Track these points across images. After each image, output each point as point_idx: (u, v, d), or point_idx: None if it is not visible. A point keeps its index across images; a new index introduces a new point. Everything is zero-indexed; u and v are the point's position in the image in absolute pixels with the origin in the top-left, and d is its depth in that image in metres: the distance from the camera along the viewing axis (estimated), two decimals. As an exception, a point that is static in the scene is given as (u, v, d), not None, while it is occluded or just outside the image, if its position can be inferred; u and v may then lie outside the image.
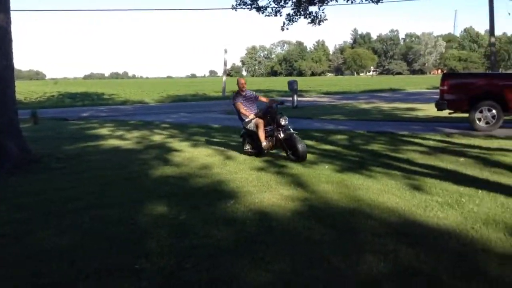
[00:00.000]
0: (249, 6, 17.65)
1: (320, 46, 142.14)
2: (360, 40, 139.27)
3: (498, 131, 10.60)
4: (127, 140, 11.06)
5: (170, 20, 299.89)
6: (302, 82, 38.64)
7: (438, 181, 5.90)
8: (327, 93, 34.32)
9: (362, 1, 17.92)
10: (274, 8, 16.66)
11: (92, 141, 10.89)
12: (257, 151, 8.10)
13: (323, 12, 17.93)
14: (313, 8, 17.76)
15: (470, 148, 8.48)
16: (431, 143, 9.22)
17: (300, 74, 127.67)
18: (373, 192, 5.47)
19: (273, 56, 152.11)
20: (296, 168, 7.01)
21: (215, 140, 10.60)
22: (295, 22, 17.60)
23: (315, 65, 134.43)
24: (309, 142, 9.18)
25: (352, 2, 18.00)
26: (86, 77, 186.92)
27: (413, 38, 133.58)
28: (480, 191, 5.33)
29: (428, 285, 3.13)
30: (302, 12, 16.91)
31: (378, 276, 3.27)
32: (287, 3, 17.37)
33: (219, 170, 7.11)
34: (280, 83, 46.81)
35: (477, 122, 10.97)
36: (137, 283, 3.27)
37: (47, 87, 56.88)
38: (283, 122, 7.73)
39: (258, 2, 17.55)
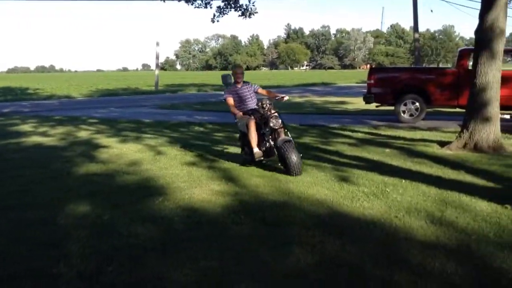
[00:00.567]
0: (178, -2, 17.15)
1: (255, 40, 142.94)
2: (294, 35, 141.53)
3: (421, 122, 11.17)
4: (51, 136, 10.47)
5: (101, 12, 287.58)
6: (237, 76, 38.46)
7: (365, 172, 6.09)
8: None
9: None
10: (204, 0, 16.34)
11: (13, 138, 10.29)
12: (250, 159, 6.57)
13: (253, 5, 17.86)
14: (243, 1, 17.65)
15: (395, 139, 8.86)
16: (359, 135, 9.54)
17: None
18: (304, 184, 5.53)
19: (207, 49, 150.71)
20: (228, 163, 6.95)
21: (146, 135, 10.27)
22: (226, 15, 17.39)
23: (250, 59, 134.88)
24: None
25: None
26: (10, 71, 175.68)
27: (344, 34, 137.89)
28: (403, 181, 5.56)
29: (352, 274, 3.18)
30: (233, 5, 16.74)
31: (306, 268, 3.28)
32: (217, -5, 17.12)
33: (149, 166, 6.88)
34: (215, 77, 46.52)
35: (402, 114, 11.50)
36: (53, 290, 3.05)
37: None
38: (272, 123, 6.34)
39: (187, -7, 17.13)
